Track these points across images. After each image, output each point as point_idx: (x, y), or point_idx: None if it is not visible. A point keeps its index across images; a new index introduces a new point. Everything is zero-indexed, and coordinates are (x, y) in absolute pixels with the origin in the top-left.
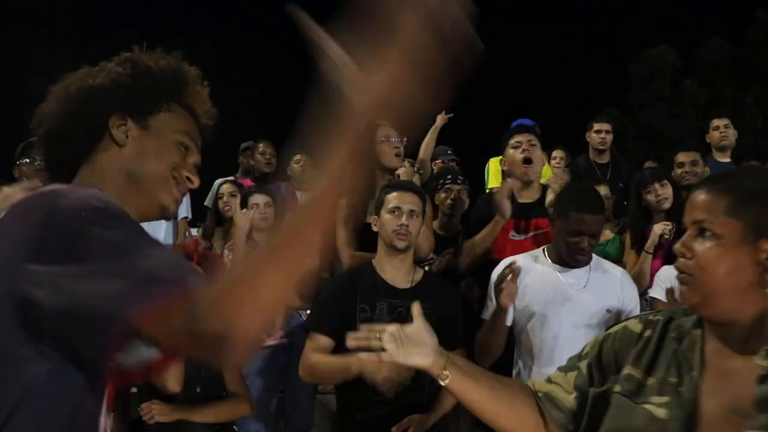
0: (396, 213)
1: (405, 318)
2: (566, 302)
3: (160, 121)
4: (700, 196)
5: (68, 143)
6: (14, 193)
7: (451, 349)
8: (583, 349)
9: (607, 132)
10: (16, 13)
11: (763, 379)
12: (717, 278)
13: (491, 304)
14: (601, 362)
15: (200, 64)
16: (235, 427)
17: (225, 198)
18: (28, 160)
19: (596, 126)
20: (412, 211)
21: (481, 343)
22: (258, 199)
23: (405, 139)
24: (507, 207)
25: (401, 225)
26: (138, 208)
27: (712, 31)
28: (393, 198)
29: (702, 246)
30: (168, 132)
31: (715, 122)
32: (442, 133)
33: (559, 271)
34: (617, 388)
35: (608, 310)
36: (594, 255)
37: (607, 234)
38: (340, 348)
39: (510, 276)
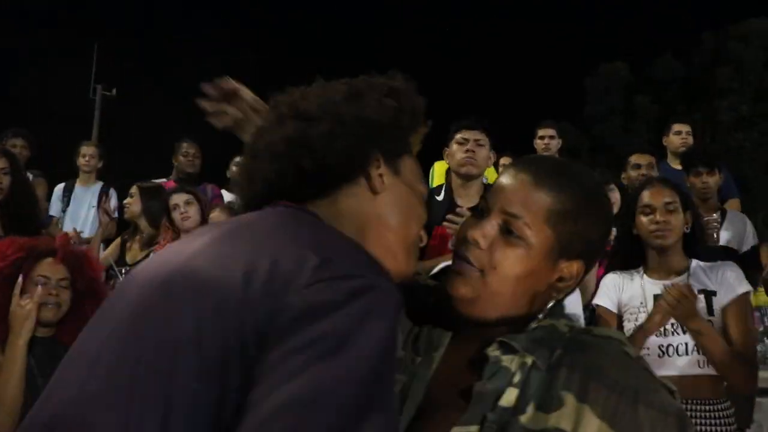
0: None
1: None
2: None
3: (407, 167)
4: (527, 186)
5: (319, 172)
6: None
7: None
8: None
9: (551, 137)
10: (14, 12)
11: (488, 371)
12: (505, 284)
13: None
14: None
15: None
16: None
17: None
18: None
19: (540, 132)
20: None
21: None
22: (178, 198)
23: None
24: None
25: None
26: None
27: (664, 50)
28: None
29: (504, 244)
30: (415, 180)
31: (677, 126)
32: None
33: None
34: None
35: None
36: None
37: None
38: None
39: None
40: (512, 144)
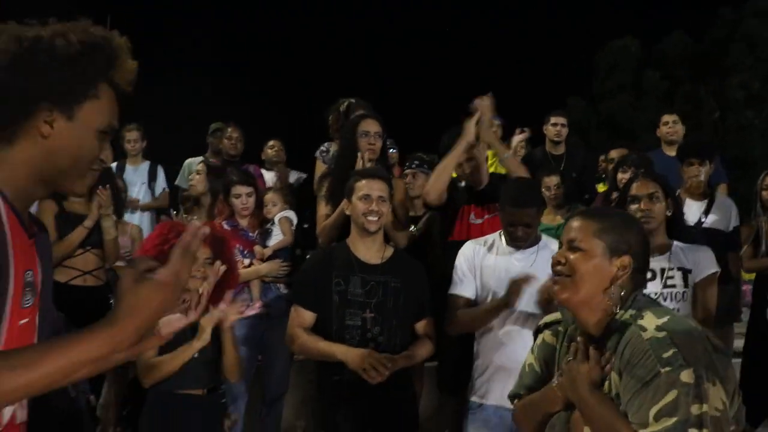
0: (366, 199)
1: (376, 291)
2: None
3: (86, 112)
4: (576, 221)
5: None
6: None
7: (420, 319)
8: (527, 358)
9: (562, 125)
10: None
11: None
12: (584, 279)
13: (459, 281)
14: (541, 364)
15: (175, 46)
16: (223, 386)
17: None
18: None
19: (553, 119)
20: (380, 197)
21: (463, 322)
22: (240, 189)
23: (384, 135)
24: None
25: (371, 211)
26: (48, 190)
27: (675, 26)
28: (362, 186)
29: (574, 256)
30: (93, 122)
31: (665, 118)
32: (399, 127)
33: (511, 253)
34: None
35: None
36: (543, 236)
37: (558, 219)
38: (319, 319)
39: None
40: (521, 119)
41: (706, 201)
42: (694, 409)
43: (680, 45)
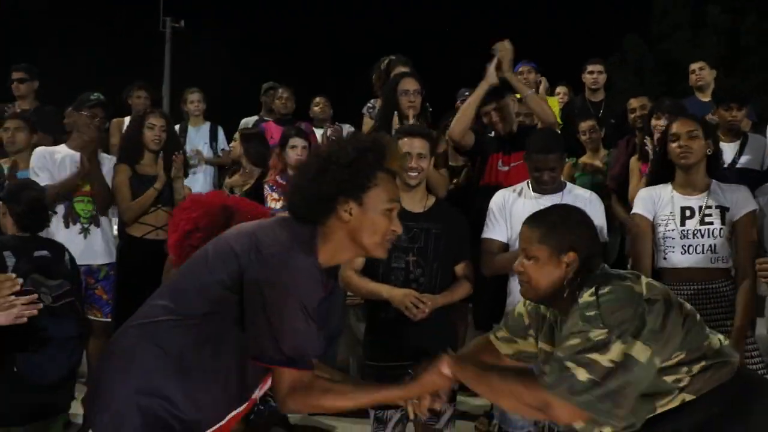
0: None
1: (419, 237)
2: None
3: (371, 198)
4: (523, 231)
5: (311, 212)
6: None
7: (459, 262)
8: (519, 306)
9: (599, 72)
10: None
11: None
12: (540, 282)
13: (491, 226)
14: (529, 318)
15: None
16: None
17: None
18: (85, 113)
19: (589, 68)
20: (419, 154)
21: (499, 265)
22: (297, 141)
23: (423, 92)
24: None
25: (411, 167)
26: (349, 257)
27: None
28: (402, 144)
29: (528, 264)
30: (379, 204)
31: (692, 67)
32: (457, 73)
33: (538, 198)
34: None
35: None
36: (568, 183)
37: (597, 164)
38: (368, 262)
39: None
40: (575, 62)
41: (739, 142)
42: (595, 356)
43: None
